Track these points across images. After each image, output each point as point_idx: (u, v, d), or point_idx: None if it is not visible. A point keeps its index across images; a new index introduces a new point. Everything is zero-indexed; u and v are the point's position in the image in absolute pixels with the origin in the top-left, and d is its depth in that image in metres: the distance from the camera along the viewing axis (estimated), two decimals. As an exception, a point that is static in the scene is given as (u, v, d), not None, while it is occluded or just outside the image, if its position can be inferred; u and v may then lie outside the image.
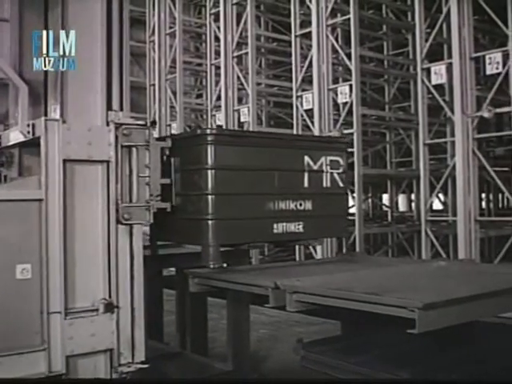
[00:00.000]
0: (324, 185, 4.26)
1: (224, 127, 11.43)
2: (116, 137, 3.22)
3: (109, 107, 3.67)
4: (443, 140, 10.39)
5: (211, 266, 3.75)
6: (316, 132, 9.84)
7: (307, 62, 10.32)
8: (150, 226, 3.70)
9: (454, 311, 2.81)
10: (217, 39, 12.39)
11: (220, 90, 12.02)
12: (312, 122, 10.12)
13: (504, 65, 7.77)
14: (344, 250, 8.61)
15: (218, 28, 12.11)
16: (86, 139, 3.13)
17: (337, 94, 9.89)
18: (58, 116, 3.70)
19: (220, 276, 3.80)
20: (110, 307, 3.15)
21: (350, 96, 9.58)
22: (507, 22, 7.99)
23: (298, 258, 9.76)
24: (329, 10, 9.89)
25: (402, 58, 12.60)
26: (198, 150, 3.82)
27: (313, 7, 10.04)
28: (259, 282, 3.50)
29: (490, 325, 3.70)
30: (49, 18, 4.01)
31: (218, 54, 12.33)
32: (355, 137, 9.51)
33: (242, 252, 4.37)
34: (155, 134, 3.46)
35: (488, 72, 8.15)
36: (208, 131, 3.96)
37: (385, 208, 14.16)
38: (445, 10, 8.56)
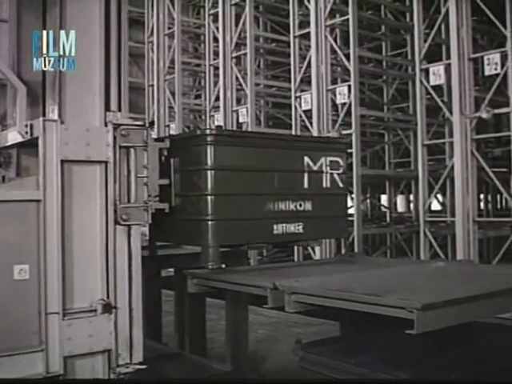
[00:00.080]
0: (324, 185, 4.26)
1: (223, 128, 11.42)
2: (114, 137, 3.22)
3: (107, 108, 3.66)
4: (442, 141, 10.41)
5: (210, 267, 3.75)
6: (314, 133, 9.82)
7: (306, 63, 10.31)
8: (149, 226, 3.70)
9: (452, 312, 2.81)
10: (215, 40, 12.37)
11: (219, 91, 12.00)
12: (311, 123, 10.11)
13: (502, 65, 7.76)
14: (342, 251, 8.61)
15: (217, 29, 12.09)
16: (84, 140, 3.13)
17: (335, 95, 9.88)
18: (56, 116, 3.69)
19: (219, 277, 3.80)
20: (108, 308, 3.15)
21: (349, 96, 9.57)
22: (506, 22, 7.97)
23: (296, 259, 9.75)
24: (327, 10, 9.87)
25: (400, 59, 12.61)
26: (197, 150, 3.82)
27: (311, 8, 10.02)
28: (258, 283, 3.49)
29: (488, 325, 3.70)
30: (47, 18, 4.00)
31: (216, 54, 12.31)
32: (354, 137, 9.49)
33: (240, 253, 4.37)
34: (154, 135, 3.46)
35: (486, 73, 8.15)
36: (207, 131, 3.95)
37: (383, 209, 14.17)
38: (443, 10, 8.55)
